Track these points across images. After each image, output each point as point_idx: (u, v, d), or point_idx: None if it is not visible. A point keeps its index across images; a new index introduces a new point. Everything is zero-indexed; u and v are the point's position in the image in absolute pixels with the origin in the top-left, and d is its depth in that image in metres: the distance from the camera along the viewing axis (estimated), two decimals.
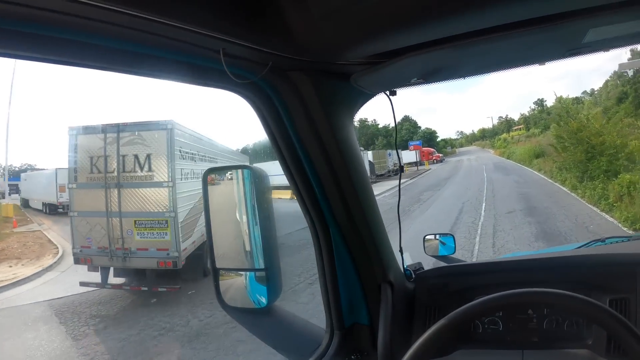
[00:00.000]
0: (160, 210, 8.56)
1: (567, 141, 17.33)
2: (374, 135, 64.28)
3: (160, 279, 8.76)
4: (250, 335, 1.54)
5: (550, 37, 1.01)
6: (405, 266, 1.68)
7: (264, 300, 1.34)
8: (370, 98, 1.31)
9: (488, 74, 1.30)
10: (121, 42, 0.80)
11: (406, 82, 1.25)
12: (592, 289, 1.48)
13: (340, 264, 1.39)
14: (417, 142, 46.87)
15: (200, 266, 9.47)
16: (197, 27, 0.78)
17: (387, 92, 1.31)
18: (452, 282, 1.66)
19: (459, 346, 1.57)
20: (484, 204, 15.05)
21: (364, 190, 1.35)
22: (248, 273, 1.40)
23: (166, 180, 8.54)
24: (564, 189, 17.33)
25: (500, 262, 1.82)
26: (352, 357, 1.45)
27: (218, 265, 1.38)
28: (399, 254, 1.58)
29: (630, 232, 9.73)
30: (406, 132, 68.82)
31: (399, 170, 1.53)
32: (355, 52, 1.03)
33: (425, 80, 1.23)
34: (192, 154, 9.83)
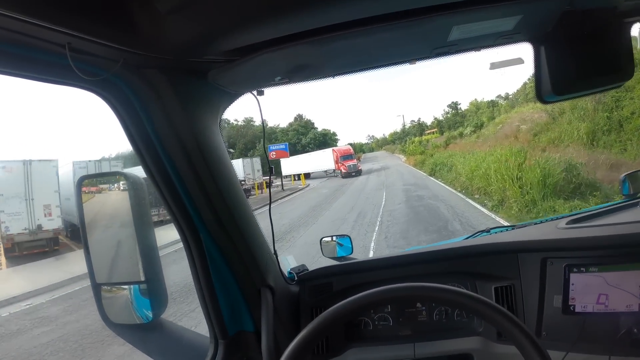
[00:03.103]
0: None
1: None
2: (255, 137, 59.56)
3: None
4: None
5: (415, 34, 1.11)
6: (289, 269, 1.85)
7: (150, 314, 1.41)
8: (236, 98, 1.40)
9: (357, 72, 1.37)
10: None
11: (269, 81, 1.32)
12: (478, 279, 1.77)
13: (215, 271, 1.46)
14: (281, 147, 38.61)
15: None
16: (39, 19, 0.79)
17: (254, 92, 1.39)
18: (337, 281, 1.85)
19: (350, 345, 1.79)
20: None
21: (233, 194, 1.42)
22: (132, 287, 1.45)
23: None
24: None
25: (386, 258, 2.01)
26: None
27: (98, 280, 1.42)
28: (275, 257, 1.69)
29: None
30: (294, 134, 64.10)
31: (269, 173, 1.64)
32: (209, 49, 1.08)
33: (290, 80, 1.31)
34: None
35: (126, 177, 1.39)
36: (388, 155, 68.09)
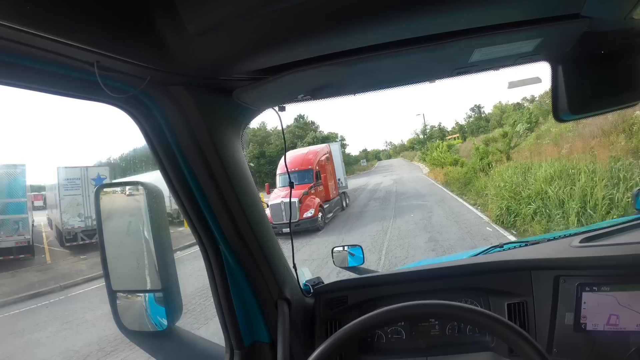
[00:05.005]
0: None
1: None
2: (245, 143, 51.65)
3: None
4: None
5: (438, 56, 1.17)
6: (304, 282, 1.95)
7: (164, 322, 1.52)
8: (258, 114, 1.49)
9: (378, 90, 1.45)
10: None
11: (293, 98, 1.41)
12: (491, 295, 1.85)
13: (233, 282, 1.55)
14: None
15: None
16: (68, 39, 0.85)
17: (276, 108, 1.49)
18: (352, 295, 1.94)
19: (364, 357, 1.88)
20: None
21: (253, 207, 1.50)
22: (147, 294, 1.56)
23: None
24: None
25: (400, 272, 2.10)
26: None
27: (114, 287, 1.53)
28: (294, 270, 1.80)
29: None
30: (289, 137, 55.12)
31: (290, 187, 1.74)
32: (235, 69, 1.16)
33: (313, 97, 1.40)
34: None
35: (145, 186, 1.49)
36: (405, 164, 62.32)
